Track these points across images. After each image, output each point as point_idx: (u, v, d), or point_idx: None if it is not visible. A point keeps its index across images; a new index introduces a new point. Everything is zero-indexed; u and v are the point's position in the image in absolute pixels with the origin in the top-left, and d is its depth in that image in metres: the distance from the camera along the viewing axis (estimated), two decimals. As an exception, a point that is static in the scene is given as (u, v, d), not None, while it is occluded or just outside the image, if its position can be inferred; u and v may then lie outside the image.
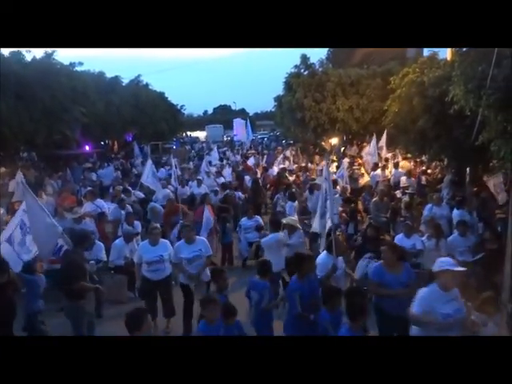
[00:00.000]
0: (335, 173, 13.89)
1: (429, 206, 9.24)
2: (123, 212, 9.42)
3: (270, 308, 5.41)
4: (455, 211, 8.60)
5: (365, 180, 13.79)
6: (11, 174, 14.96)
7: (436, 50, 14.25)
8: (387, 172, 14.39)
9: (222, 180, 14.19)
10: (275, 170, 16.62)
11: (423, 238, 7.62)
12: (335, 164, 16.86)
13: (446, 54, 13.38)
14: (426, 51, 14.90)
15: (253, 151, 26.11)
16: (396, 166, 14.51)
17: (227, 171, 16.07)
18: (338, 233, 7.19)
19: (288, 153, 22.17)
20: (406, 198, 11.05)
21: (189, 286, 6.35)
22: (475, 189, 10.28)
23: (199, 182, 12.67)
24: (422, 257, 7.41)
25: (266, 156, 22.70)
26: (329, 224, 6.44)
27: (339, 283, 5.99)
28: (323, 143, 23.68)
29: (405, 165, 14.89)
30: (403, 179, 12.69)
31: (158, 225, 7.09)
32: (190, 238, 6.30)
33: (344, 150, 22.32)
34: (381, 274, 5.35)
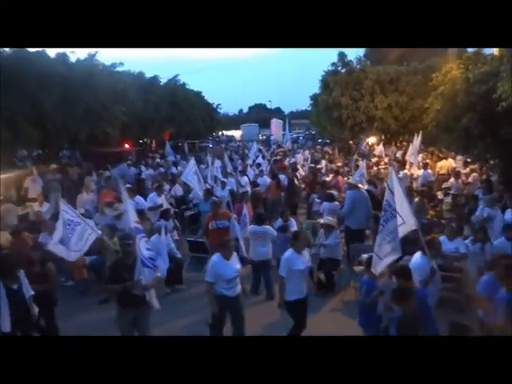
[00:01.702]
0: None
1: (480, 207, 8.83)
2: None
3: (372, 303, 5.19)
4: (508, 213, 8.17)
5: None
6: (58, 170, 15.65)
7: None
8: (414, 172, 13.88)
9: (245, 179, 13.89)
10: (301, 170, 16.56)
11: (467, 241, 7.32)
12: (359, 163, 16.57)
13: (493, 48, 12.81)
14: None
15: (282, 149, 25.95)
16: (425, 166, 14.03)
17: (251, 171, 15.73)
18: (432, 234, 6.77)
19: (307, 153, 21.75)
20: (448, 199, 10.68)
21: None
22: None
23: (223, 185, 12.24)
24: (465, 261, 7.12)
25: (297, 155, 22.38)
26: (410, 227, 5.60)
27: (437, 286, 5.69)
28: (351, 142, 23.24)
29: (445, 164, 14.37)
30: (451, 180, 12.11)
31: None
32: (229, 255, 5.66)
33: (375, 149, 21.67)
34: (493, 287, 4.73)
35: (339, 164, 18.02)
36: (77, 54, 16.64)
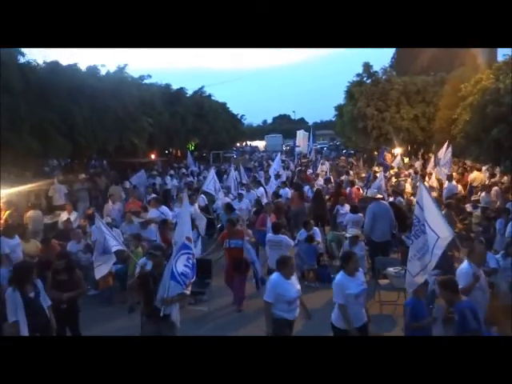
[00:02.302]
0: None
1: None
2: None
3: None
4: None
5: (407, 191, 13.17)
6: (86, 180, 16.07)
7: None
8: (432, 183, 13.59)
9: (261, 190, 13.65)
10: (320, 180, 16.45)
11: (498, 256, 7.08)
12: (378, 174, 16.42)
13: (525, 58, 12.49)
14: (501, 56, 13.99)
15: (306, 160, 25.91)
16: (450, 178, 13.70)
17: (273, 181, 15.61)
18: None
19: (327, 164, 21.60)
20: (477, 212, 10.39)
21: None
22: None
23: (240, 197, 11.90)
24: (495, 276, 6.88)
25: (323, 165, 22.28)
26: (446, 241, 5.37)
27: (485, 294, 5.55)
28: (376, 153, 22.89)
29: (478, 176, 13.99)
30: (483, 195, 11.75)
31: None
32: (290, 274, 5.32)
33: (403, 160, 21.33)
34: None
35: (363, 175, 17.85)
36: (107, 67, 17.18)
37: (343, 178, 16.67)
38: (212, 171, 13.15)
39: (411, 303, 5.08)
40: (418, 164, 20.35)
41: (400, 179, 15.00)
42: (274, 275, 5.20)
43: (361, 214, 10.06)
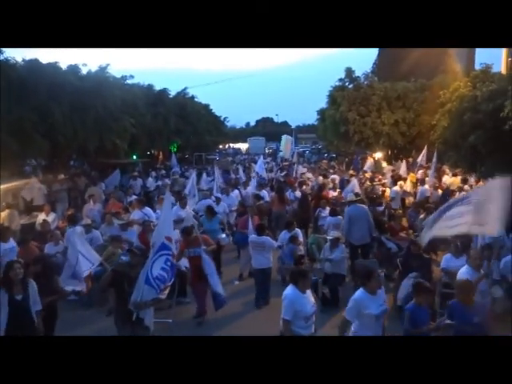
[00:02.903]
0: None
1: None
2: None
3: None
4: None
5: (386, 195, 13.43)
6: (65, 180, 15.79)
7: (489, 63, 13.74)
8: (397, 188, 13.82)
9: (236, 193, 13.70)
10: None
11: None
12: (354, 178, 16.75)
13: (501, 67, 12.87)
14: (478, 64, 14.39)
15: (287, 163, 26.26)
16: (422, 182, 14.06)
17: (253, 183, 15.56)
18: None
19: (300, 168, 21.79)
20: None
21: None
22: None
23: (218, 200, 11.63)
24: (472, 279, 7.06)
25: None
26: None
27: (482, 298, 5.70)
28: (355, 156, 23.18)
29: (455, 181, 14.33)
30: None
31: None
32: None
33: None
34: None
35: (346, 178, 18.06)
36: (88, 66, 16.94)
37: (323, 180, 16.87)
38: (193, 174, 13.12)
39: (411, 309, 4.75)
40: (397, 166, 20.72)
41: (374, 183, 15.28)
42: (290, 290, 4.74)
43: (340, 217, 10.21)
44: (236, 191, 13.93)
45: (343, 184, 15.42)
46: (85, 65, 16.68)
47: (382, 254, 8.97)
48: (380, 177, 17.10)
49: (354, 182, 13.69)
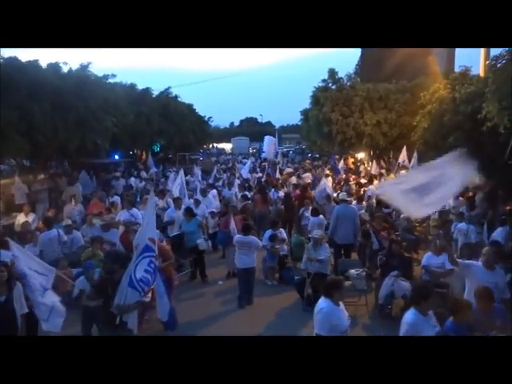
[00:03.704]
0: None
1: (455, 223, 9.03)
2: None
3: None
4: (497, 230, 8.33)
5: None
6: (46, 180, 15.51)
7: (468, 65, 14.02)
8: (373, 187, 14.11)
9: (214, 192, 13.65)
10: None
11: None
12: (330, 178, 17.11)
13: (479, 70, 13.15)
14: (458, 67, 14.68)
15: (265, 163, 26.59)
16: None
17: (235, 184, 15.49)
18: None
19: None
20: (434, 216, 10.81)
21: None
22: (508, 207, 9.94)
23: (197, 203, 11.32)
24: (451, 277, 7.21)
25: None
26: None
27: None
28: (337, 156, 23.47)
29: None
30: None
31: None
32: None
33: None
34: None
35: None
36: (69, 65, 16.66)
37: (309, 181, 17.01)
38: (181, 173, 13.07)
39: (452, 328, 4.22)
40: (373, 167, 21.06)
41: (350, 183, 15.57)
42: (324, 303, 4.40)
43: (322, 217, 10.33)
44: (213, 191, 13.86)
45: (315, 183, 15.68)
46: (65, 63, 16.40)
47: (364, 253, 9.10)
48: (354, 177, 17.46)
49: (324, 181, 13.90)
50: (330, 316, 4.31)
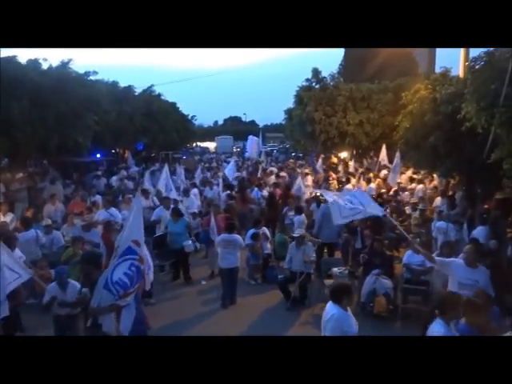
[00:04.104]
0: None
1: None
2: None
3: None
4: (478, 229, 8.49)
5: None
6: (25, 179, 15.18)
7: (448, 66, 14.25)
8: (349, 186, 14.39)
9: (195, 191, 13.54)
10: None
11: (433, 255, 7.54)
12: (309, 177, 17.42)
13: (459, 71, 13.37)
14: (438, 68, 14.91)
15: (248, 162, 26.72)
16: (369, 181, 14.67)
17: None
18: None
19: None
20: (416, 215, 10.98)
21: None
22: (486, 206, 10.16)
23: (176, 203, 10.90)
24: (431, 274, 7.33)
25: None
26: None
27: None
28: (322, 156, 23.66)
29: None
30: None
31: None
32: None
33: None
34: None
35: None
36: (49, 61, 16.33)
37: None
38: (165, 168, 12.99)
39: (465, 330, 4.11)
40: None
41: (329, 182, 15.82)
42: (334, 309, 4.27)
43: (303, 215, 10.43)
44: (194, 190, 13.77)
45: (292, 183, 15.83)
46: (45, 60, 16.06)
47: (348, 252, 9.18)
48: (333, 176, 17.75)
49: (299, 180, 14.02)
50: (341, 322, 4.19)
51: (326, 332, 4.24)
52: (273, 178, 17.23)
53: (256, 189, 14.00)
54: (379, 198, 11.37)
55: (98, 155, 22.83)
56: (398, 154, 14.63)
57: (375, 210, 6.56)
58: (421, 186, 13.96)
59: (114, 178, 18.41)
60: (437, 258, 5.87)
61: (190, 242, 9.19)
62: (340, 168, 20.99)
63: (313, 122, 20.40)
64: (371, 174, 16.25)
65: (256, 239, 9.18)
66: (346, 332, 4.15)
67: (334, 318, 4.19)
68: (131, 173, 20.76)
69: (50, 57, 16.30)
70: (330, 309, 4.29)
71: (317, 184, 16.19)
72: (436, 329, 3.86)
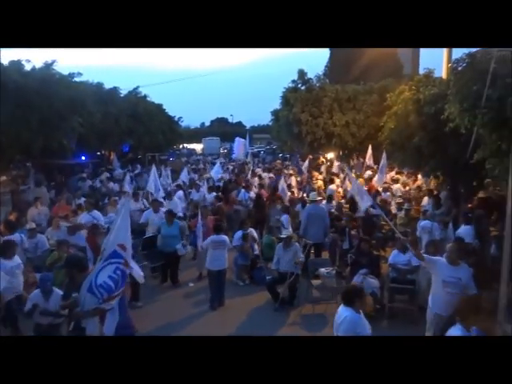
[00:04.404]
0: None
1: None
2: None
3: None
4: (463, 228, 8.61)
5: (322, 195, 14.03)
6: (8, 182, 14.92)
7: (431, 67, 14.44)
8: (334, 186, 14.64)
9: (179, 194, 13.44)
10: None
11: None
12: (293, 178, 17.61)
13: (442, 72, 13.58)
14: (422, 69, 15.05)
15: (233, 163, 26.77)
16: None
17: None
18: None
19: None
20: (401, 214, 11.11)
21: None
22: (469, 205, 10.34)
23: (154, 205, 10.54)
24: (417, 273, 7.42)
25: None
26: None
27: None
28: (310, 157, 23.79)
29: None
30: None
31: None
32: None
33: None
34: None
35: (298, 178, 18.66)
36: (32, 63, 16.09)
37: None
38: (153, 169, 12.94)
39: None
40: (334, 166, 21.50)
41: (313, 182, 16.01)
42: (347, 311, 4.24)
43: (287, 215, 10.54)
44: (179, 192, 13.66)
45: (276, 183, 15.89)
46: (28, 61, 15.83)
47: (335, 252, 9.24)
48: (317, 176, 17.91)
49: (282, 181, 14.30)
50: (354, 325, 4.17)
51: (339, 333, 4.22)
52: (256, 180, 17.25)
53: (243, 190, 14.00)
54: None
55: (83, 157, 22.57)
56: (384, 155, 14.78)
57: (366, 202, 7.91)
58: (397, 185, 14.30)
59: (98, 181, 18.22)
60: (425, 255, 5.94)
61: (181, 245, 9.16)
62: (323, 169, 21.18)
63: (299, 123, 20.46)
64: (354, 175, 16.38)
65: (245, 240, 9.21)
66: (359, 334, 4.13)
67: (346, 321, 4.17)
68: (116, 175, 20.54)
69: (33, 58, 16.04)
70: (343, 311, 4.27)
71: (301, 185, 16.31)
72: (455, 334, 3.81)
